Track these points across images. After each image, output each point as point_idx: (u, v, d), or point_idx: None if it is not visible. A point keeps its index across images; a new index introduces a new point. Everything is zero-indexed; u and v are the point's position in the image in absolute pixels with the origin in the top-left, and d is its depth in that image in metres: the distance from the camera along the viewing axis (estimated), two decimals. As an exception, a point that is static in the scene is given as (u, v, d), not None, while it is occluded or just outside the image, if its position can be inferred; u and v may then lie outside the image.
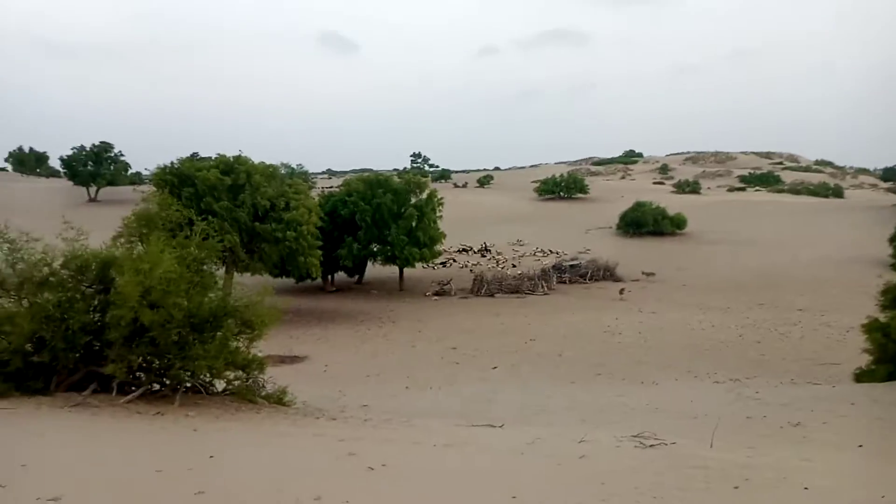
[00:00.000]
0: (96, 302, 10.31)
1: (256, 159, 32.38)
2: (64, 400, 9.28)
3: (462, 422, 10.35)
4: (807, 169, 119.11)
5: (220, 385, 10.97)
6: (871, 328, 13.57)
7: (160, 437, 7.60)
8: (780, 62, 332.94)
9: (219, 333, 10.24)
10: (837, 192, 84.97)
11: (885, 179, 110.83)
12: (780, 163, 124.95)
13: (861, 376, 13.95)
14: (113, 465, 6.23)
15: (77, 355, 9.72)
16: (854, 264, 42.58)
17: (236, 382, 10.88)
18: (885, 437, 8.66)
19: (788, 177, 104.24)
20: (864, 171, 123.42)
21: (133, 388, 10.13)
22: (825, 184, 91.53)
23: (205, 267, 11.19)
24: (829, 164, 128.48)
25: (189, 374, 10.08)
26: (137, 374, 10.34)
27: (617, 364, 20.78)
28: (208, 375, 10.35)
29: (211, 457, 6.47)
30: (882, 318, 13.89)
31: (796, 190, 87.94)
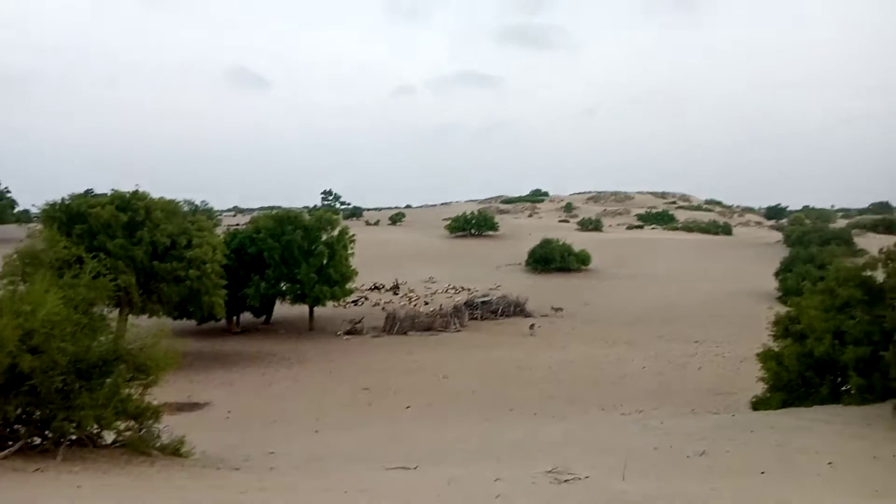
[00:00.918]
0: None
1: (157, 196, 30.97)
2: (-76, 460, 8.24)
3: (375, 465, 9.99)
4: (698, 208, 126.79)
5: (109, 437, 10.11)
6: (766, 357, 14.30)
7: (38, 499, 6.83)
8: (676, 105, 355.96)
9: (108, 380, 9.49)
10: (727, 230, 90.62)
11: (768, 217, 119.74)
12: (674, 202, 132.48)
13: (757, 404, 14.62)
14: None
15: (-58, 409, 8.70)
16: (744, 297, 45.28)
17: (128, 433, 10.06)
18: (785, 461, 9.01)
19: (682, 215, 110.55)
20: (750, 210, 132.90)
21: (9, 442, 9.16)
22: (715, 222, 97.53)
23: (94, 308, 10.40)
24: (719, 203, 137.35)
25: (74, 425, 9.22)
26: (15, 426, 9.37)
27: (529, 399, 20.92)
28: (96, 426, 9.51)
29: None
30: (775, 347, 14.67)
31: (689, 227, 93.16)
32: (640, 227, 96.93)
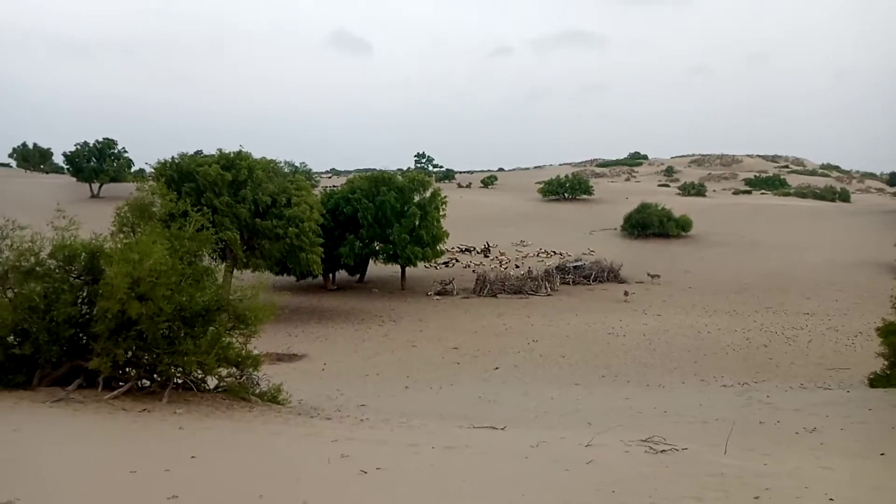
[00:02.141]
0: (84, 293, 9.94)
1: (260, 157, 32.06)
2: (46, 395, 8.89)
3: (463, 423, 9.93)
4: (813, 173, 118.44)
5: (212, 382, 10.58)
6: (887, 331, 13.12)
7: (142, 436, 7.19)
8: (789, 66, 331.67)
9: (211, 328, 9.86)
10: (844, 196, 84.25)
11: (891, 184, 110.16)
12: (786, 166, 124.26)
13: (876, 381, 13.50)
14: (85, 464, 5.83)
15: (61, 348, 9.33)
16: (861, 268, 42.07)
17: (229, 379, 10.49)
18: (909, 445, 8.22)
19: (794, 180, 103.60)
20: (871, 176, 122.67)
21: (120, 383, 9.75)
22: (831, 188, 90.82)
23: (198, 259, 10.80)
24: (836, 167, 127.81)
25: (179, 369, 9.68)
26: (126, 369, 9.95)
27: (621, 367, 20.34)
28: (199, 372, 9.95)
29: (193, 457, 6.06)
30: (898, 321, 13.44)
31: (802, 193, 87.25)
32: (748, 192, 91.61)
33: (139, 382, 9.83)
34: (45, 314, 9.09)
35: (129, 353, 9.45)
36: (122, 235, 10.45)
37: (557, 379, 18.48)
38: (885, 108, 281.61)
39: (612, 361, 21.06)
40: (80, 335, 9.60)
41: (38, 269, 9.63)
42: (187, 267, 10.12)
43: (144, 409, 8.71)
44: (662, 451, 7.54)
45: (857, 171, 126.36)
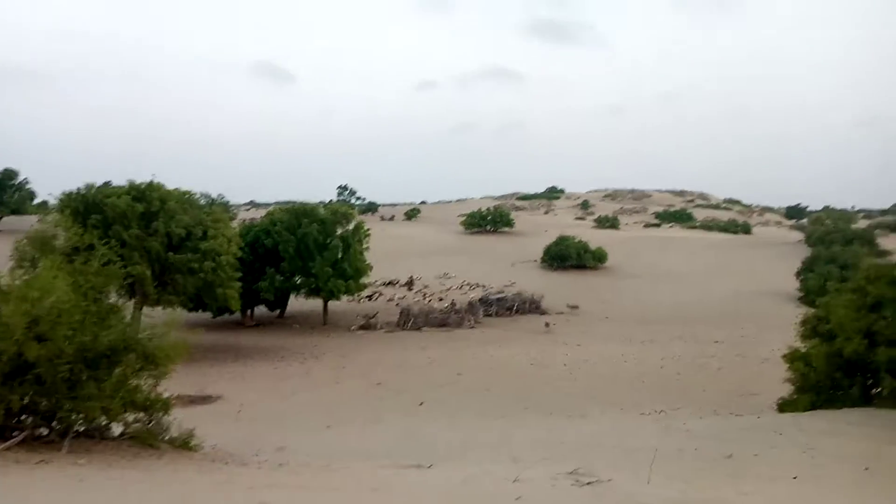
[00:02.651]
0: (-26, 335, 9.12)
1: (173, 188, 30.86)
2: (-74, 449, 8.03)
3: (387, 463, 9.66)
4: (717, 206, 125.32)
5: (118, 429, 9.87)
6: (793, 357, 13.82)
7: (37, 492, 6.57)
8: (696, 105, 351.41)
9: (117, 370, 9.22)
10: (746, 229, 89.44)
11: (788, 217, 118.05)
12: (692, 200, 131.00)
13: (784, 406, 14.15)
14: (-31, 528, 5.25)
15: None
16: (764, 297, 44.54)
17: (136, 425, 9.80)
18: (818, 466, 8.58)
19: (700, 214, 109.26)
20: (770, 209, 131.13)
21: (14, 433, 8.94)
22: (734, 221, 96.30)
23: (104, 296, 10.16)
24: (738, 202, 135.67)
25: (80, 416, 8.98)
26: (21, 417, 9.15)
27: (545, 397, 20.53)
28: (103, 418, 9.26)
29: (95, 513, 5.59)
30: (802, 347, 14.18)
31: (708, 226, 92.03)
32: (658, 225, 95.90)
33: (36, 431, 9.05)
34: (-74, 360, 8.27)
35: (25, 400, 8.70)
36: (20, 271, 9.71)
37: (483, 412, 18.41)
38: (781, 145, 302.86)
39: (536, 392, 21.23)
40: (-32, 381, 8.77)
41: (-81, 309, 8.78)
42: (92, 304, 9.48)
43: (41, 461, 8.00)
44: (588, 484, 7.55)
45: (758, 205, 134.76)
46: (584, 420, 16.44)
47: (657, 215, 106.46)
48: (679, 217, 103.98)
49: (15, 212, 69.92)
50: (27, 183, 73.45)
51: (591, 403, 19.38)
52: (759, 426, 11.84)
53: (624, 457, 9.95)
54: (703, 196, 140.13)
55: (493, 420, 16.81)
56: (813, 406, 13.10)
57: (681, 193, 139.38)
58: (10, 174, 72.47)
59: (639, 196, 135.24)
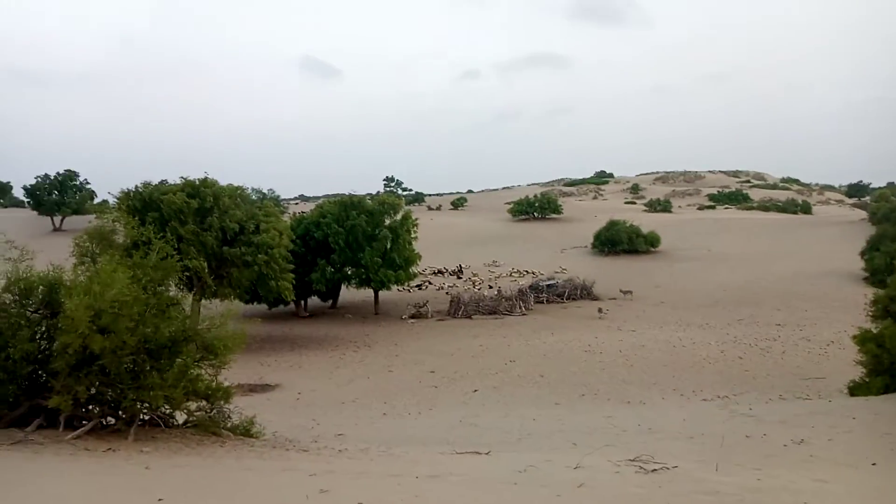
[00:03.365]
0: (43, 328, 9.42)
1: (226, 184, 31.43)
2: (3, 437, 8.33)
3: (445, 449, 9.59)
4: (774, 186, 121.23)
5: (181, 417, 10.08)
6: (865, 339, 13.16)
7: (106, 478, 6.72)
8: (747, 85, 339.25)
9: (178, 360, 9.39)
10: (806, 209, 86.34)
11: (850, 195, 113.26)
12: (748, 181, 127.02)
13: (855, 389, 13.51)
14: (43, 513, 5.38)
15: (19, 387, 8.78)
16: (826, 278, 42.83)
17: (198, 414, 9.99)
18: (899, 453, 8.11)
19: (756, 194, 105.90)
20: (830, 188, 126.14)
21: (83, 422, 9.21)
22: (793, 200, 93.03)
23: (163, 288, 10.35)
24: (796, 181, 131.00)
25: (145, 405, 9.18)
26: (88, 407, 9.42)
27: (600, 384, 20.19)
28: (166, 406, 9.46)
29: (160, 500, 5.64)
30: (873, 328, 13.49)
31: (765, 207, 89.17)
32: (713, 207, 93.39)
33: (103, 420, 9.30)
34: (0, 352, 8.56)
35: (92, 390, 8.94)
36: (82, 266, 9.96)
37: (537, 399, 18.22)
38: (840, 122, 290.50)
39: (591, 379, 20.90)
40: (39, 372, 9.06)
41: (-8, 304, 9.10)
42: (152, 297, 9.67)
43: (109, 449, 8.21)
44: (653, 471, 7.30)
45: (817, 184, 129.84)
46: (643, 406, 16.08)
47: (711, 197, 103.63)
48: (734, 198, 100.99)
49: (76, 212, 72.65)
50: (87, 183, 76.35)
51: (650, 390, 18.95)
52: (831, 410, 11.31)
53: (688, 443, 9.64)
54: (758, 176, 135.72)
55: (548, 407, 16.61)
56: (887, 389, 12.46)
57: (735, 174, 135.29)
58: (70, 175, 75.38)
59: (691, 178, 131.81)
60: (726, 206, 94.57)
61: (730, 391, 18.04)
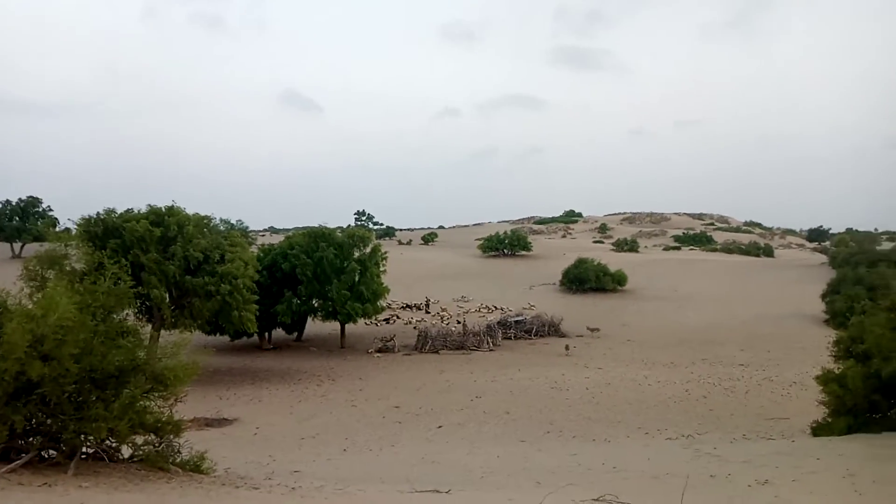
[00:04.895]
0: (-18, 355, 8.91)
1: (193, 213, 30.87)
2: (-71, 471, 7.78)
3: (404, 488, 9.26)
4: (737, 229, 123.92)
5: (128, 451, 9.58)
6: (827, 379, 13.22)
7: (35, 516, 6.27)
8: (716, 131, 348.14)
9: (125, 391, 8.95)
10: (768, 252, 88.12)
11: (810, 240, 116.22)
12: (712, 223, 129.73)
13: (819, 430, 13.51)
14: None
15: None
16: (788, 320, 43.53)
17: (146, 448, 9.51)
18: (864, 494, 8.03)
19: (720, 237, 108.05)
20: (791, 232, 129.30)
21: (21, 454, 8.68)
22: (756, 243, 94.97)
23: (114, 315, 9.93)
24: (758, 225, 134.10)
25: (87, 437, 8.70)
26: (28, 438, 8.90)
27: (566, 421, 19.96)
28: (111, 439, 8.98)
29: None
30: (836, 369, 13.58)
31: (729, 249, 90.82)
32: (678, 248, 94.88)
33: (43, 453, 8.78)
34: (-69, 379, 8.05)
35: (32, 420, 8.45)
36: (28, 290, 9.52)
37: (502, 436, 17.91)
38: (802, 169, 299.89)
39: (557, 416, 20.66)
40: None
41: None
42: (100, 323, 9.25)
43: (45, 484, 7.71)
44: (617, 511, 7.11)
45: (779, 228, 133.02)
46: (608, 445, 15.88)
47: (676, 238, 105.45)
48: (699, 240, 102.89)
49: (38, 239, 70.79)
50: (50, 210, 74.62)
51: (615, 428, 18.78)
52: (795, 450, 11.27)
53: (653, 483, 9.46)
54: (722, 219, 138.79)
55: (512, 444, 16.31)
56: (850, 430, 12.48)
57: (700, 216, 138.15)
58: (33, 202, 73.71)
59: (657, 219, 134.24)
60: (691, 247, 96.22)
61: (694, 430, 17.96)
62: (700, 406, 22.30)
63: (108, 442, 9.13)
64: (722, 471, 10.01)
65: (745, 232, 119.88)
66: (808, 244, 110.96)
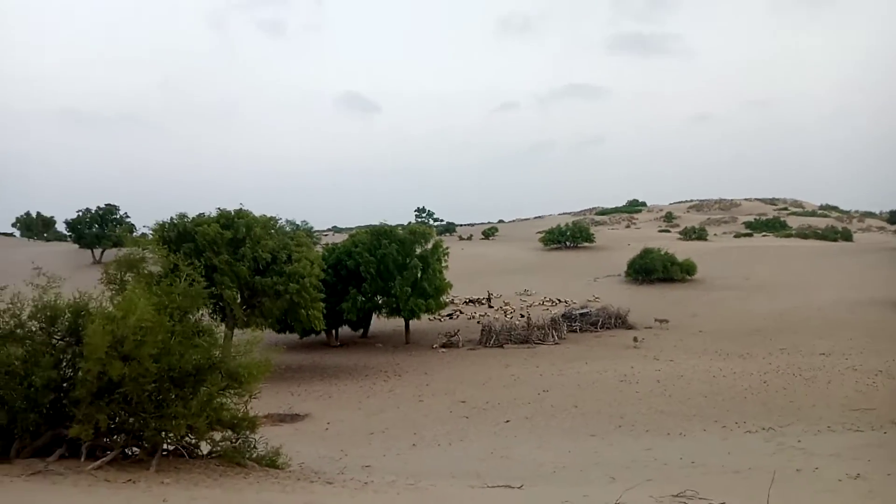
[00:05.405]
0: (68, 355, 9.34)
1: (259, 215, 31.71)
2: (24, 468, 8.19)
3: (475, 483, 9.18)
4: (812, 214, 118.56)
5: (206, 447, 9.87)
6: (921, 367, 12.38)
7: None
8: (787, 111, 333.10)
9: (202, 389, 9.21)
10: (846, 236, 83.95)
11: (891, 222, 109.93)
12: (785, 208, 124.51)
13: (912, 421, 12.70)
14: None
15: (41, 416, 8.66)
16: (870, 306, 41.26)
17: (223, 444, 9.78)
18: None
19: (794, 222, 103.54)
20: (871, 215, 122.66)
21: (106, 452, 9.04)
22: (833, 227, 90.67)
23: (190, 316, 10.23)
24: (835, 208, 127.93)
25: (168, 435, 8.99)
26: (112, 436, 9.27)
27: (638, 415, 19.46)
28: (191, 436, 9.26)
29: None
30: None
31: (804, 234, 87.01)
32: (749, 234, 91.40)
33: (127, 450, 9.13)
34: (23, 379, 8.47)
35: (116, 419, 8.79)
36: (109, 294, 9.91)
37: (572, 430, 17.62)
38: (881, 148, 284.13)
39: (627, 410, 20.18)
40: (63, 401, 8.96)
41: (17, 331, 9.06)
42: (177, 324, 9.54)
43: (129, 480, 8.01)
44: (699, 507, 6.83)
45: (857, 211, 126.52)
46: (683, 439, 15.38)
47: (747, 224, 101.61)
48: (772, 225, 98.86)
49: (116, 245, 74.16)
50: (127, 217, 78.06)
51: (690, 421, 18.19)
52: (887, 442, 10.63)
53: (735, 478, 9.08)
54: (796, 203, 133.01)
55: (583, 439, 16.01)
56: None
57: (772, 201, 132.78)
58: (111, 209, 77.30)
59: (727, 206, 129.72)
60: (764, 233, 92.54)
61: (775, 423, 17.19)
62: (779, 397, 21.35)
63: (187, 439, 9.44)
64: (808, 465, 9.53)
65: (820, 216, 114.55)
66: (889, 227, 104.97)
